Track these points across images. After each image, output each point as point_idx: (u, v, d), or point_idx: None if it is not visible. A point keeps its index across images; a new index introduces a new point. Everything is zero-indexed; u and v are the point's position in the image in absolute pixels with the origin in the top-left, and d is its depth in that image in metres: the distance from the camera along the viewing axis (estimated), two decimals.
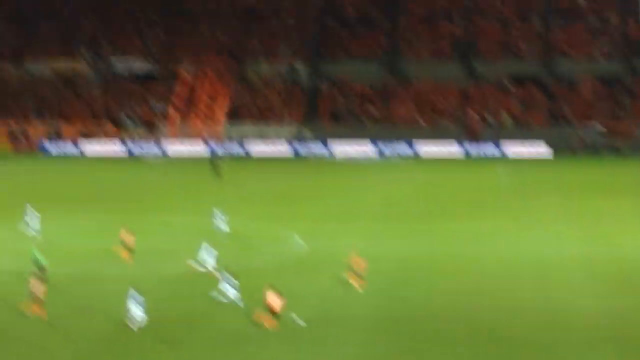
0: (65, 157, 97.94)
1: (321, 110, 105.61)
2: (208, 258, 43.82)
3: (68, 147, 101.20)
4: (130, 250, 46.99)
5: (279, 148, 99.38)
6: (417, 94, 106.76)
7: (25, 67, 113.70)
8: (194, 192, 72.92)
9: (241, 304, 38.24)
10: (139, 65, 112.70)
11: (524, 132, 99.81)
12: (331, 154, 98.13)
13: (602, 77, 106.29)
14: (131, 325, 35.60)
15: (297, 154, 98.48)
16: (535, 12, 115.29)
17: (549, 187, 75.08)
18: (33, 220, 54.12)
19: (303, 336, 35.14)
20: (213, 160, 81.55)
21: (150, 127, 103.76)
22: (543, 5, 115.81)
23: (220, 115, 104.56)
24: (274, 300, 35.68)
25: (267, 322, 35.66)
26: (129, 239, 47.14)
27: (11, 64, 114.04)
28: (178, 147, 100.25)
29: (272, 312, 35.66)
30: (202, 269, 43.82)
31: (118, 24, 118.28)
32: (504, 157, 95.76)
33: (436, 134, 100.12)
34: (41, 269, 41.74)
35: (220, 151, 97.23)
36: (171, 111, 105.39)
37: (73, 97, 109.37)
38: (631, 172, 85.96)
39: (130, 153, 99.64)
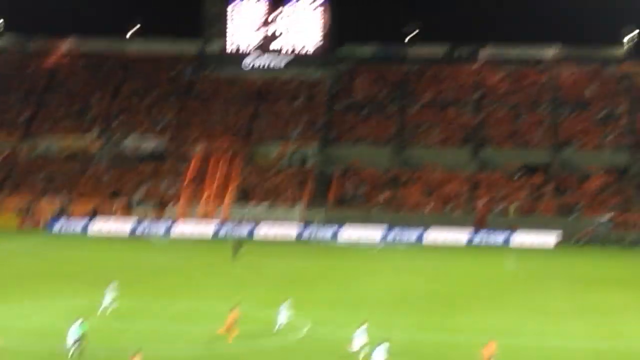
0: (71, 235, 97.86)
1: (330, 194, 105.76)
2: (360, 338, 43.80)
3: (75, 225, 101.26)
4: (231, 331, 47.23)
5: (287, 231, 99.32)
6: (426, 180, 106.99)
7: (35, 144, 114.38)
8: (204, 274, 72.69)
9: None
10: (150, 144, 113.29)
11: (532, 221, 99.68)
12: (339, 238, 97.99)
13: (611, 167, 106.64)
14: None
15: (304, 237, 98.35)
16: (544, 102, 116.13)
17: (555, 278, 74.64)
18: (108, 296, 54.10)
19: None
20: (234, 241, 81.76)
21: (160, 207, 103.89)
22: (552, 95, 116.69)
23: (229, 196, 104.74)
24: None
25: None
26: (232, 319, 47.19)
27: (22, 140, 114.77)
28: (187, 227, 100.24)
29: None
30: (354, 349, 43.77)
31: (129, 102, 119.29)
32: (511, 246, 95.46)
33: (444, 221, 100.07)
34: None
35: (228, 232, 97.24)
36: (180, 191, 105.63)
37: (82, 175, 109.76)
38: (639, 263, 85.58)
39: (138, 233, 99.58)
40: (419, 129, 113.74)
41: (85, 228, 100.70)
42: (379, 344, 40.84)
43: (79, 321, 43.53)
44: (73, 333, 42.92)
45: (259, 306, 56.37)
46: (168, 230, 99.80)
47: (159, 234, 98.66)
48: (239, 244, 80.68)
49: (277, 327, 50.28)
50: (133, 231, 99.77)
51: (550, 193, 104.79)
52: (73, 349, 42.90)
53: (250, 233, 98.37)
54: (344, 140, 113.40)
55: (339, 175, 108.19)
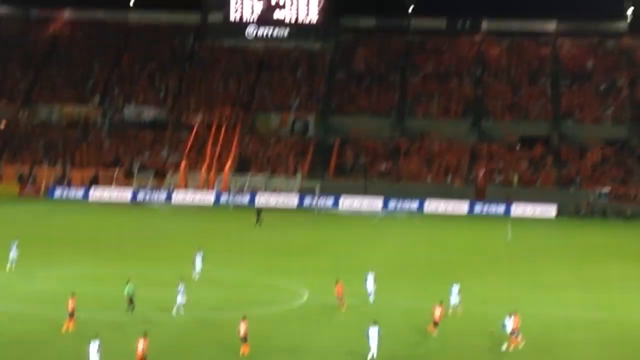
0: (72, 202, 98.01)
1: (330, 164, 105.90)
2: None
3: (76, 192, 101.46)
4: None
5: (286, 200, 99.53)
6: (426, 150, 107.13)
7: (36, 111, 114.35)
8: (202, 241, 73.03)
9: None
10: (150, 112, 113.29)
11: (531, 192, 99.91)
12: (338, 207, 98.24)
13: (610, 140, 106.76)
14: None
15: (303, 206, 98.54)
16: (544, 74, 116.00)
17: (554, 249, 74.94)
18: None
19: None
20: (257, 210, 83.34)
21: (159, 175, 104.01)
22: (552, 68, 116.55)
23: (229, 165, 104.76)
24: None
25: None
26: None
27: (22, 108, 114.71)
28: (186, 196, 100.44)
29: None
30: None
31: (130, 71, 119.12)
32: (510, 217, 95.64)
33: (444, 191, 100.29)
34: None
35: (227, 201, 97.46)
36: (180, 159, 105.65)
37: (83, 143, 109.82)
38: (637, 235, 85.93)
39: (137, 200, 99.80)
40: (420, 100, 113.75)
41: (85, 195, 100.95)
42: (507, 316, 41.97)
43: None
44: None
45: (260, 273, 56.65)
46: (166, 198, 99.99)
47: (157, 201, 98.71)
48: (261, 211, 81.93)
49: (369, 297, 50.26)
50: (133, 198, 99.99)
51: (549, 165, 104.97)
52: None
53: (251, 202, 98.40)
54: (344, 111, 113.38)
55: (339, 145, 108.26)
